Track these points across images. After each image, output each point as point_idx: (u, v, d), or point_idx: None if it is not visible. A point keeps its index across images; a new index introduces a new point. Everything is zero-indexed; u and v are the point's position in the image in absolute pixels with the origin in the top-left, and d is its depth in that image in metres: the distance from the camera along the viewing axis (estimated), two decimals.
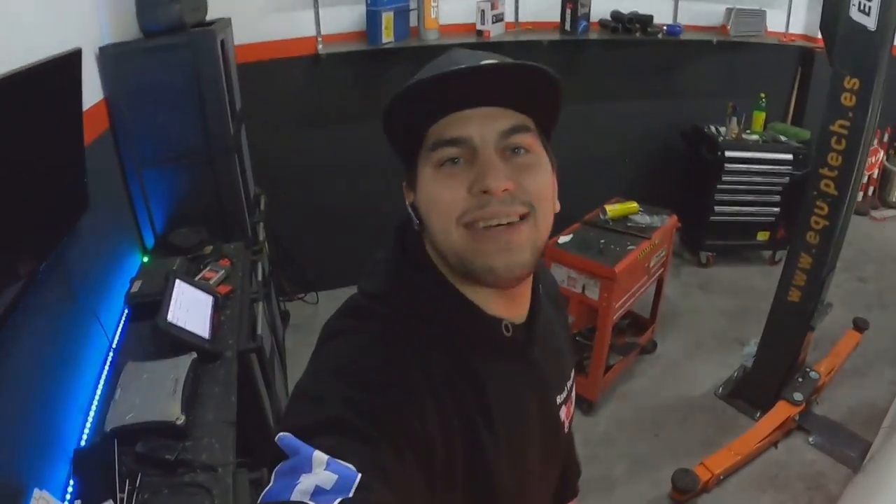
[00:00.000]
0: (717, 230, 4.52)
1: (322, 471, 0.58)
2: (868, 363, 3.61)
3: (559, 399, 0.94)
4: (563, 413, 0.95)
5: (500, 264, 0.73)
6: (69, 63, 1.74)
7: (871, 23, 2.46)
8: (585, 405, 3.26)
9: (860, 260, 4.70)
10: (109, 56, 2.34)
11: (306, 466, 0.59)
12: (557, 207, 0.80)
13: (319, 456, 0.59)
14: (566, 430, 0.98)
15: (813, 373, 3.20)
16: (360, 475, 0.59)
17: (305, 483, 0.57)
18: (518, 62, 0.71)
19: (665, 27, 4.15)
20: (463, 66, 0.70)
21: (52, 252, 1.69)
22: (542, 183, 0.76)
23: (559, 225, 3.16)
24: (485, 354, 0.80)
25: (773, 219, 4.48)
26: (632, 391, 3.46)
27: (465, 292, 0.79)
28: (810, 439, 3.07)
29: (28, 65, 1.47)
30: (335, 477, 0.58)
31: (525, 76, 0.72)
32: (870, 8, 2.45)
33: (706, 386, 3.47)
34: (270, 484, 0.59)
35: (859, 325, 3.62)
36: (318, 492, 0.56)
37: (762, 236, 4.57)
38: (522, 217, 0.73)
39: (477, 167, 0.72)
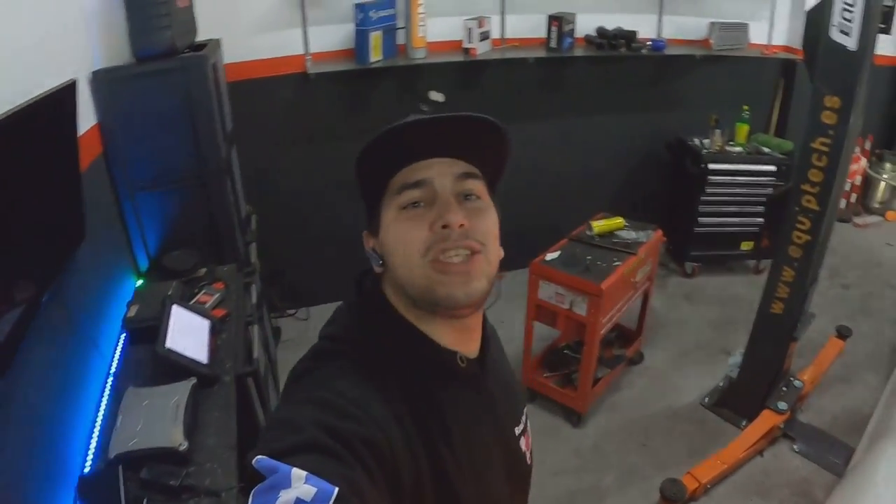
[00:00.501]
0: (701, 241, 4.59)
1: (301, 485, 0.61)
2: (852, 370, 3.69)
3: (517, 430, 1.01)
4: (522, 444, 1.02)
5: (459, 292, 0.81)
6: (64, 96, 1.76)
7: (851, 43, 2.52)
8: (575, 417, 3.32)
9: (843, 267, 4.79)
10: (102, 81, 2.37)
11: (285, 483, 0.61)
12: (501, 253, 0.89)
13: (298, 472, 0.62)
14: (528, 461, 1.04)
15: (797, 381, 3.26)
16: (337, 489, 0.61)
17: (285, 497, 0.60)
18: (467, 114, 0.82)
19: (649, 42, 4.22)
20: (423, 117, 0.80)
21: (51, 284, 1.72)
22: (491, 226, 0.86)
23: (548, 237, 3.23)
24: (443, 384, 0.86)
25: (756, 229, 4.54)
26: (620, 403, 3.52)
27: (422, 328, 0.87)
28: (795, 447, 3.13)
29: (23, 103, 1.50)
30: (314, 490, 0.61)
31: (475, 126, 0.83)
32: (850, 29, 2.51)
33: (692, 396, 3.53)
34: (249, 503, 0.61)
35: (842, 333, 3.68)
36: (298, 502, 0.59)
37: (746, 246, 4.64)
38: (476, 252, 0.82)
39: (437, 208, 0.82)
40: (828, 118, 2.66)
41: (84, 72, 2.30)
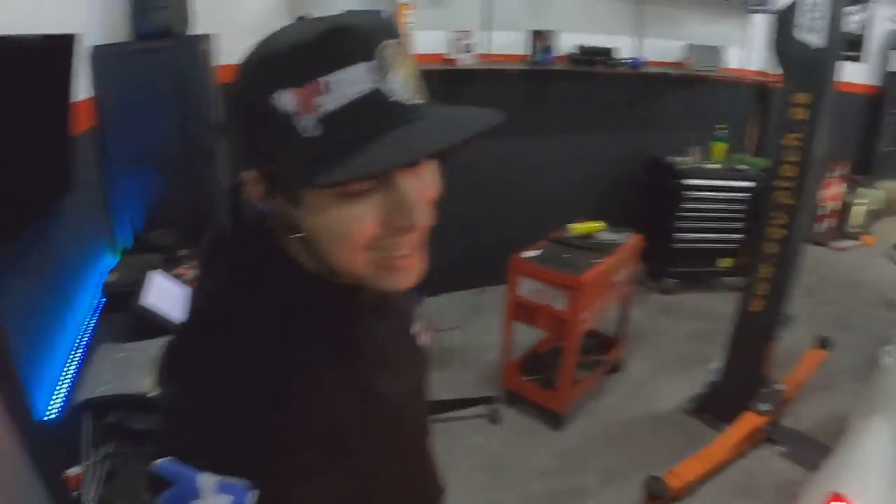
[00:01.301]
0: (679, 257, 4.64)
1: (212, 495, 0.56)
2: (833, 379, 3.70)
3: (414, 329, 0.94)
4: (422, 339, 0.96)
5: (405, 284, 0.70)
6: (63, 45, 1.81)
7: (819, 40, 2.66)
8: (555, 420, 3.28)
9: (822, 286, 4.85)
10: (101, 55, 2.40)
11: (192, 492, 0.56)
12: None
13: (206, 479, 0.56)
14: (426, 350, 0.98)
15: (778, 385, 3.26)
16: (253, 491, 0.57)
17: None
18: (465, 136, 0.61)
19: (628, 59, 4.35)
20: (409, 157, 0.60)
21: (34, 218, 1.73)
22: (437, 185, 0.70)
23: (525, 245, 3.22)
24: (350, 318, 0.76)
25: (735, 246, 4.60)
26: (600, 408, 3.49)
27: (327, 278, 0.73)
28: (778, 449, 3.12)
29: (26, 34, 1.54)
30: (230, 498, 0.56)
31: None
32: (817, 26, 2.65)
33: (673, 403, 3.51)
34: None
35: (823, 343, 3.71)
36: None
37: (725, 263, 4.69)
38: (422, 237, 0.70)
39: (393, 196, 0.63)
40: (799, 114, 2.77)
41: (84, 45, 2.33)
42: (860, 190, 5.73)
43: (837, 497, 1.73)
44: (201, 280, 0.78)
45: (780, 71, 2.88)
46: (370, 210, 0.62)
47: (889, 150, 6.05)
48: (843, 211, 5.81)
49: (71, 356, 1.93)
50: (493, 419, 3.31)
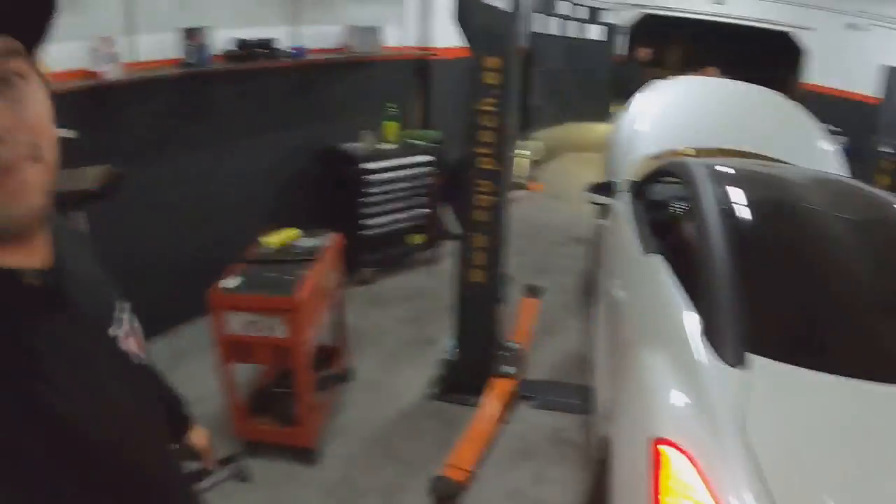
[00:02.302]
0: (372, 244, 4.53)
1: None
2: (552, 322, 3.94)
3: (115, 332, 0.86)
4: (129, 345, 0.88)
5: (16, 211, 0.66)
6: None
7: (505, 3, 2.75)
8: (306, 455, 2.89)
9: (510, 238, 5.09)
10: None
11: None
12: (56, 133, 0.71)
13: None
14: (139, 361, 0.91)
15: (512, 344, 3.32)
16: None
17: None
18: None
19: (290, 50, 4.08)
20: None
21: None
22: (43, 113, 0.69)
23: (219, 271, 2.77)
24: (17, 312, 0.69)
25: (424, 220, 4.67)
26: (348, 424, 3.19)
27: None
28: (533, 404, 3.21)
29: None
30: None
31: None
32: None
33: (417, 393, 3.40)
34: None
35: (533, 291, 3.88)
36: None
37: (419, 240, 4.73)
38: (27, 159, 0.66)
39: None
40: (491, 79, 2.78)
41: None
42: (520, 143, 6.21)
43: (662, 441, 1.64)
44: None
45: (465, 40, 2.85)
46: None
47: (539, 104, 6.69)
48: None
49: None
50: (243, 478, 2.78)
